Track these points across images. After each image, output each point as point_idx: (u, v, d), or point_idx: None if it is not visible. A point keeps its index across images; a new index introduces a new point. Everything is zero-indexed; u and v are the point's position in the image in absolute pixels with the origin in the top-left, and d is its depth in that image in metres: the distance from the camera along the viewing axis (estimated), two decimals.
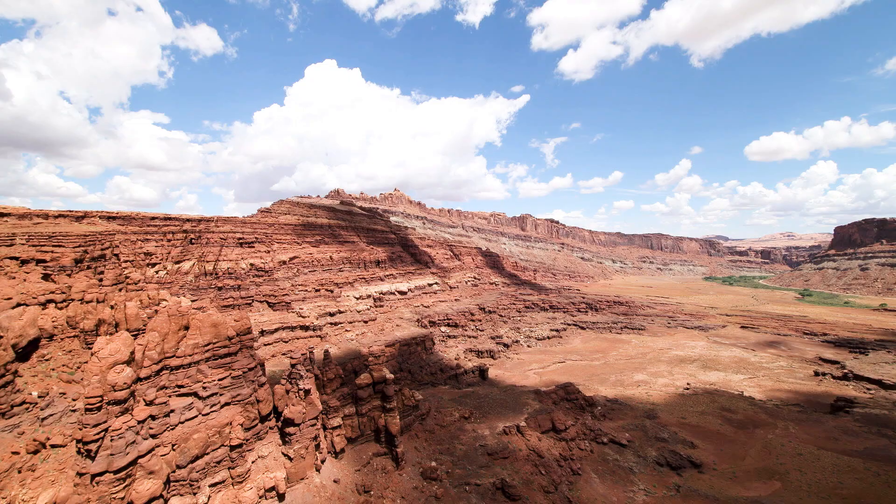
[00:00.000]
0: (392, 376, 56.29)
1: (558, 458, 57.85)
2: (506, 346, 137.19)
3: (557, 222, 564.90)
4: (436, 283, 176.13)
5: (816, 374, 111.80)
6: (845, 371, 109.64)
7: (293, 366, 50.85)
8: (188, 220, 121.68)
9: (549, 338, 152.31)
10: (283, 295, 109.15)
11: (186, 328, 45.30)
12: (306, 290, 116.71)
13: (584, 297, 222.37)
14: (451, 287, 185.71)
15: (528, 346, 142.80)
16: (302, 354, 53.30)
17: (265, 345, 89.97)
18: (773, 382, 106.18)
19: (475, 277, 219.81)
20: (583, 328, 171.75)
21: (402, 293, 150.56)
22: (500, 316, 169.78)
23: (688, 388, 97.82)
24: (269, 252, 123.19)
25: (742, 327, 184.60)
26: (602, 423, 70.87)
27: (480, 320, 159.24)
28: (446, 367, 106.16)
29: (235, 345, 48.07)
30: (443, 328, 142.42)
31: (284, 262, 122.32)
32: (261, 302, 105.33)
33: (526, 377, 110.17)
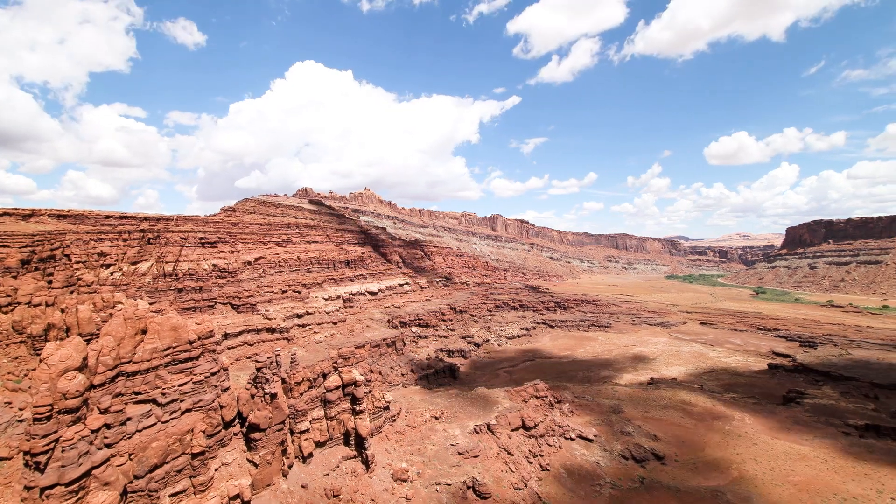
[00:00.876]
0: (362, 378, 55.61)
1: (528, 455, 58.64)
2: (477, 345, 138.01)
3: (527, 222, 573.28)
4: (407, 284, 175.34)
5: (770, 367, 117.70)
6: (796, 364, 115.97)
7: (258, 369, 49.47)
8: (146, 219, 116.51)
9: (519, 336, 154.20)
10: (248, 296, 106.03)
11: (144, 332, 43.38)
12: (272, 292, 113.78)
13: (552, 296, 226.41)
14: (422, 287, 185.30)
15: (499, 346, 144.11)
16: (268, 358, 51.92)
17: (229, 348, 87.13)
18: (731, 376, 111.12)
19: (446, 277, 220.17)
20: (552, 326, 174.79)
21: (372, 294, 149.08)
22: (471, 315, 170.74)
23: (651, 383, 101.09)
24: (232, 252, 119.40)
25: (701, 324, 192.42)
26: (570, 419, 72.31)
27: (452, 320, 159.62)
28: (417, 368, 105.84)
29: (197, 349, 46.33)
30: (414, 328, 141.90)
31: (249, 263, 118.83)
32: (224, 304, 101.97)
33: (496, 376, 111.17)
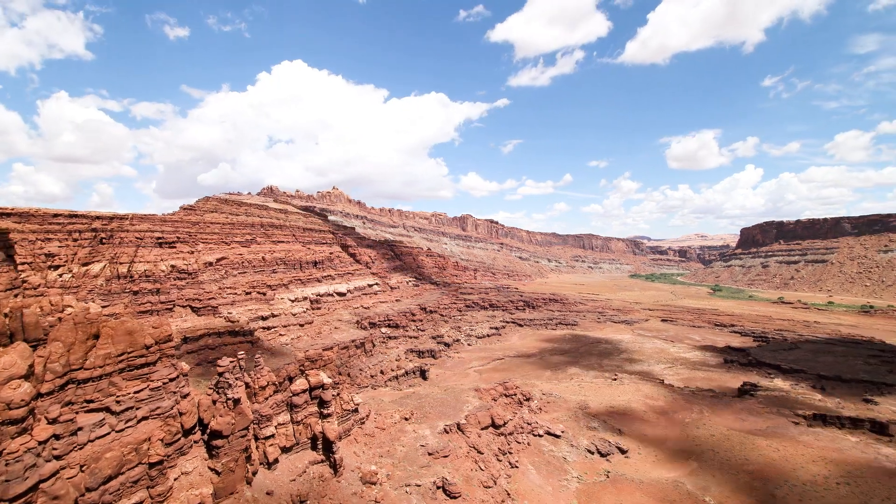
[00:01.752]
0: (330, 381, 54.62)
1: (497, 453, 59.12)
2: (447, 345, 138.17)
3: (497, 223, 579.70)
4: (376, 284, 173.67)
5: (726, 361, 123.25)
6: (750, 358, 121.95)
7: (220, 374, 47.77)
8: (98, 217, 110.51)
9: (488, 336, 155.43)
10: (210, 298, 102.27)
11: (96, 337, 41.12)
12: (235, 293, 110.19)
13: (521, 296, 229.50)
14: (391, 287, 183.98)
15: (469, 345, 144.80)
16: (231, 362, 50.19)
17: (189, 353, 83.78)
18: (690, 371, 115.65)
19: (416, 278, 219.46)
20: (521, 325, 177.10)
21: (340, 294, 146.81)
22: (442, 315, 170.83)
23: (615, 379, 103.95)
24: (192, 253, 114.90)
25: (663, 320, 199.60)
26: (538, 416, 73.43)
27: (422, 320, 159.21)
28: (387, 369, 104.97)
29: (154, 354, 44.27)
30: (383, 329, 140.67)
31: (211, 264, 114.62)
32: (183, 306, 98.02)
33: (466, 375, 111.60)
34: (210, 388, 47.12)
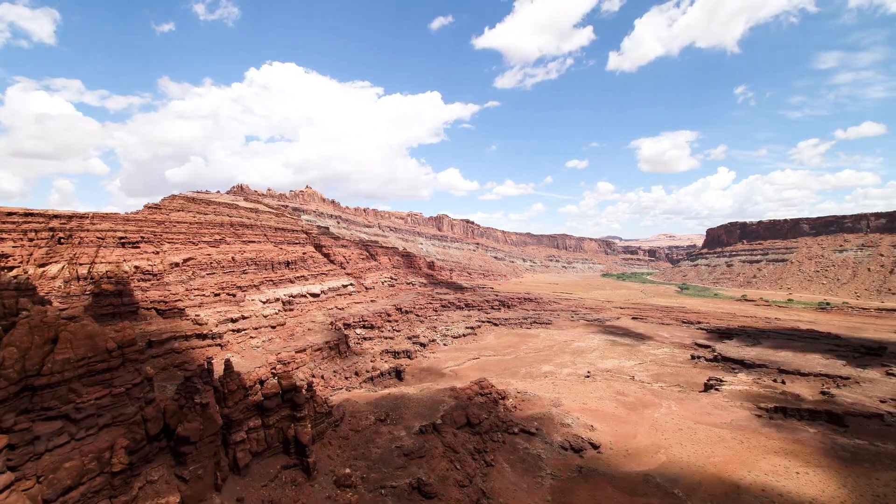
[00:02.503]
0: (303, 383, 53.62)
1: (473, 452, 59.28)
2: (423, 345, 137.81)
3: (473, 223, 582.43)
4: (351, 285, 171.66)
5: (693, 357, 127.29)
6: (715, 354, 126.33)
7: (188, 378, 46.26)
8: (56, 216, 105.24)
9: (464, 335, 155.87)
10: (176, 301, 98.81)
11: (55, 341, 39.26)
12: (203, 295, 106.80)
13: (497, 295, 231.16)
14: (367, 288, 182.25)
15: (445, 345, 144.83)
16: (199, 365, 48.66)
17: (154, 357, 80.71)
18: (659, 367, 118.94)
19: (392, 278, 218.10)
20: (496, 325, 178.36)
21: (314, 295, 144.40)
22: (417, 316, 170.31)
23: (588, 376, 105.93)
24: (158, 253, 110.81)
25: (633, 318, 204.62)
26: (513, 414, 74.05)
27: (397, 321, 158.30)
28: (362, 371, 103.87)
29: (117, 358, 42.53)
30: (358, 330, 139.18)
31: (177, 265, 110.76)
32: (148, 309, 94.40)
33: (442, 375, 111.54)
34: (177, 394, 45.55)
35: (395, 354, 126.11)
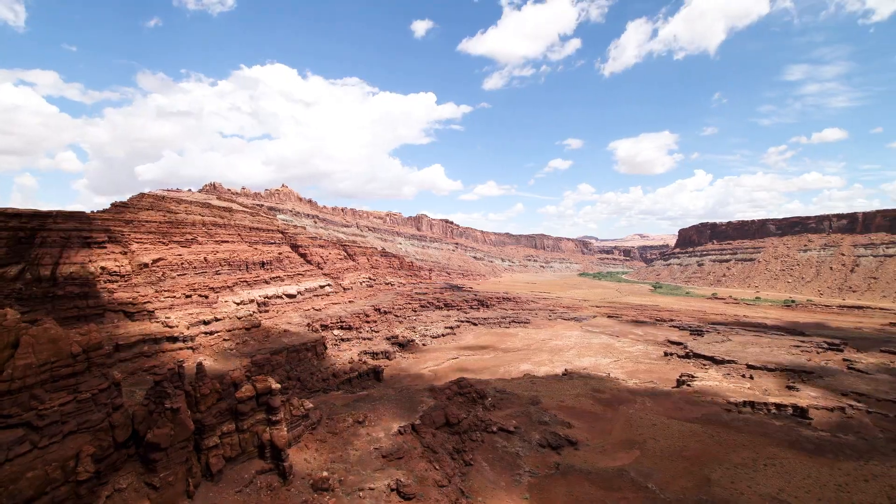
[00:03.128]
0: (278, 386, 52.53)
1: (452, 452, 59.24)
2: (401, 346, 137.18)
3: (452, 223, 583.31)
4: (328, 285, 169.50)
5: (665, 354, 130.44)
6: (687, 351, 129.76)
7: (158, 383, 44.74)
8: (16, 215, 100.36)
9: (443, 335, 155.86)
10: (145, 303, 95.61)
11: (15, 346, 37.56)
12: (174, 297, 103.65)
13: (476, 295, 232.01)
14: (344, 288, 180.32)
15: (424, 345, 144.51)
16: (169, 369, 47.13)
17: (122, 361, 77.94)
18: (633, 364, 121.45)
19: (370, 278, 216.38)
20: (475, 324, 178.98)
21: (290, 296, 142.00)
22: (396, 316, 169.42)
23: (565, 374, 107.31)
24: (125, 254, 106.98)
25: (608, 317, 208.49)
26: (492, 413, 74.35)
27: (376, 321, 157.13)
28: (339, 372, 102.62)
29: (82, 363, 40.89)
30: (336, 331, 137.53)
31: (146, 265, 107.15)
32: (116, 312, 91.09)
33: (421, 375, 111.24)
34: (146, 399, 44.03)
35: (374, 355, 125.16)
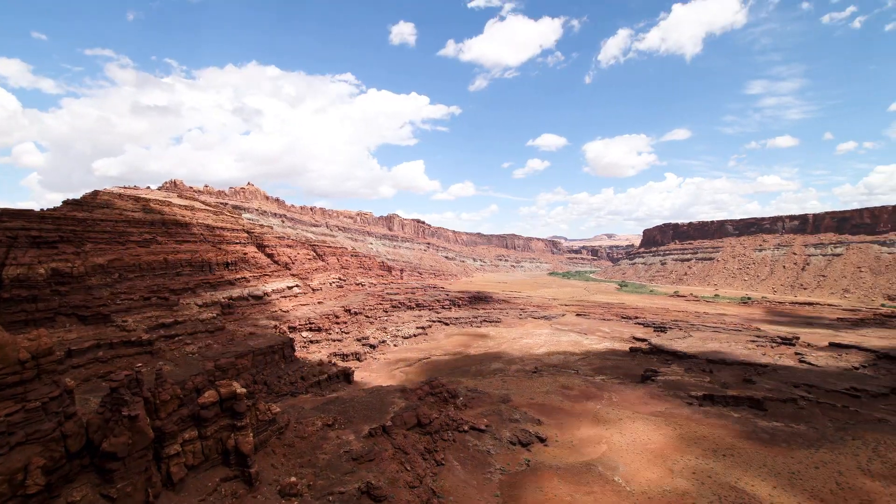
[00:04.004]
0: (244, 390, 50.93)
1: (423, 452, 59.05)
2: (372, 346, 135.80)
3: (424, 222, 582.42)
4: (296, 286, 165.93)
5: (631, 350, 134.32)
6: (651, 347, 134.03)
7: (114, 389, 42.55)
8: None
9: (415, 336, 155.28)
10: (101, 306, 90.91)
11: None
12: (132, 299, 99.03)
13: (447, 295, 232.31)
14: (313, 289, 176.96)
15: (395, 346, 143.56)
16: (126, 375, 44.88)
17: (74, 368, 73.82)
18: (601, 360, 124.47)
19: (340, 278, 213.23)
20: (447, 324, 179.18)
21: (256, 298, 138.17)
22: (367, 317, 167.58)
23: (535, 371, 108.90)
24: (79, 254, 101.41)
25: (577, 315, 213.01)
26: (464, 413, 74.58)
27: (346, 322, 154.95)
28: (308, 375, 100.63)
29: (31, 370, 38.37)
30: (304, 333, 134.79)
31: (101, 266, 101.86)
32: (68, 315, 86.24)
33: (393, 376, 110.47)
34: (101, 406, 41.81)
35: (344, 357, 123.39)
